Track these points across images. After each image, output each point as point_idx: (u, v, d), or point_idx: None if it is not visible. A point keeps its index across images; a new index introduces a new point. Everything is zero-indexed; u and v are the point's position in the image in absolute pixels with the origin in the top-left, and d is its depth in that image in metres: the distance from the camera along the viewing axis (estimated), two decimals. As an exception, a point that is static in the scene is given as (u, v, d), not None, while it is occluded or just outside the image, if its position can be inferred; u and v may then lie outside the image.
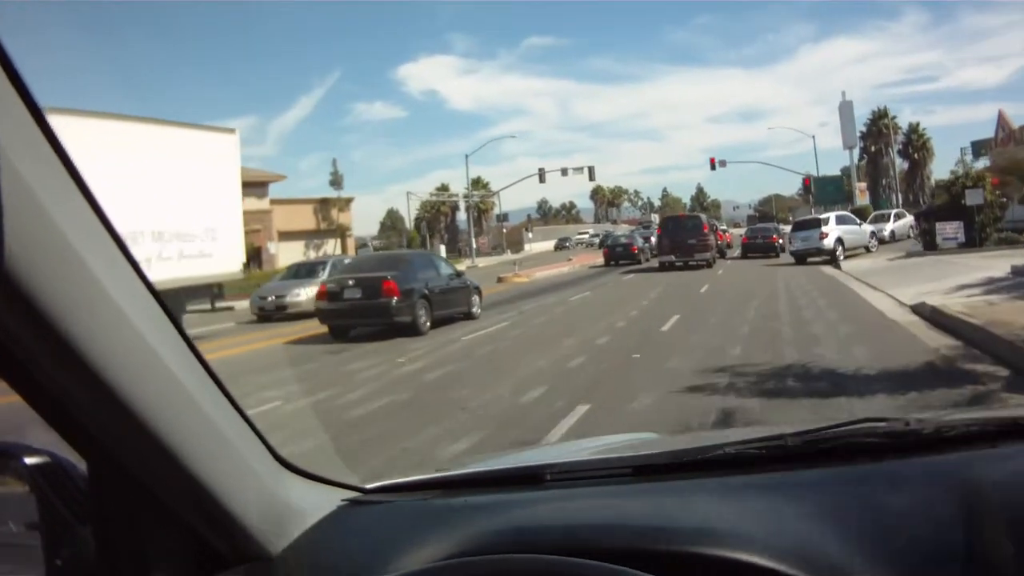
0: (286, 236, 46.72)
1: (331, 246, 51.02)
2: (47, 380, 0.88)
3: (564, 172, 56.59)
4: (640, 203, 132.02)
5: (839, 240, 28.14)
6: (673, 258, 29.01)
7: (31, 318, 0.80)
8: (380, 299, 14.11)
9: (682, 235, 29.01)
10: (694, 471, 1.28)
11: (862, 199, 53.85)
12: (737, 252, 37.67)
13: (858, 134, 57.71)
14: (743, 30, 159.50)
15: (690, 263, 28.74)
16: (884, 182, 62.25)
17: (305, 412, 8.23)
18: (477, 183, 75.23)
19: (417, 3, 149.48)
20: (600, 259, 38.53)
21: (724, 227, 52.94)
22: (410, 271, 14.88)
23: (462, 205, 75.32)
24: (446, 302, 15.42)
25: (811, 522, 1.02)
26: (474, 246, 59.25)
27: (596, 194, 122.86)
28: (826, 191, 53.01)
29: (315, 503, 1.26)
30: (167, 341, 0.98)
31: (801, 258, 28.07)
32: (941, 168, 65.02)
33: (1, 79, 0.76)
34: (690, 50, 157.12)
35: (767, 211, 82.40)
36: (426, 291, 14.71)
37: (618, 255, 36.66)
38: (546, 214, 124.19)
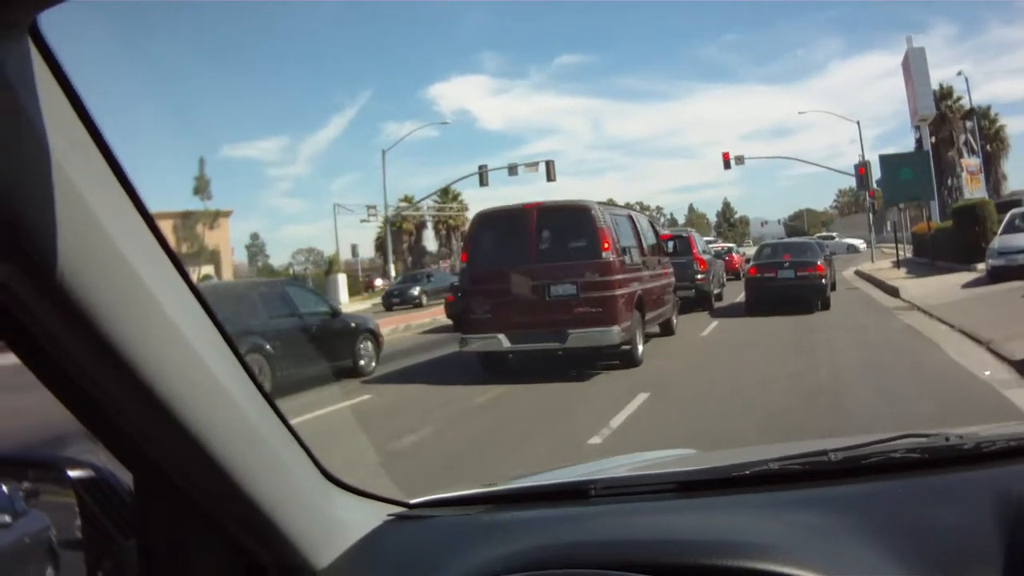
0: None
1: (195, 274, 41.82)
2: (96, 391, 0.95)
3: (512, 170, 45.65)
4: (663, 220, 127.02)
5: None
6: (481, 343, 11.36)
7: (82, 329, 0.86)
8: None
9: (529, 275, 10.98)
10: (738, 487, 1.37)
11: (973, 188, 36.61)
12: (737, 297, 21.03)
13: (914, 123, 45.46)
14: (772, 46, 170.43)
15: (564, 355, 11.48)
16: (950, 182, 48.43)
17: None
18: (446, 194, 67.84)
19: (448, 22, 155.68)
20: None
21: (731, 245, 41.10)
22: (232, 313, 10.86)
23: (430, 222, 70.03)
24: (302, 356, 11.58)
25: (855, 536, 1.10)
26: (393, 273, 49.69)
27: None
28: (897, 180, 30.57)
29: (361, 518, 1.35)
30: (218, 354, 1.05)
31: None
32: (1016, 168, 52.70)
33: (56, 92, 0.83)
34: (721, 67, 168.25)
35: (798, 226, 75.94)
36: (259, 341, 10.95)
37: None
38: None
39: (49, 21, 0.81)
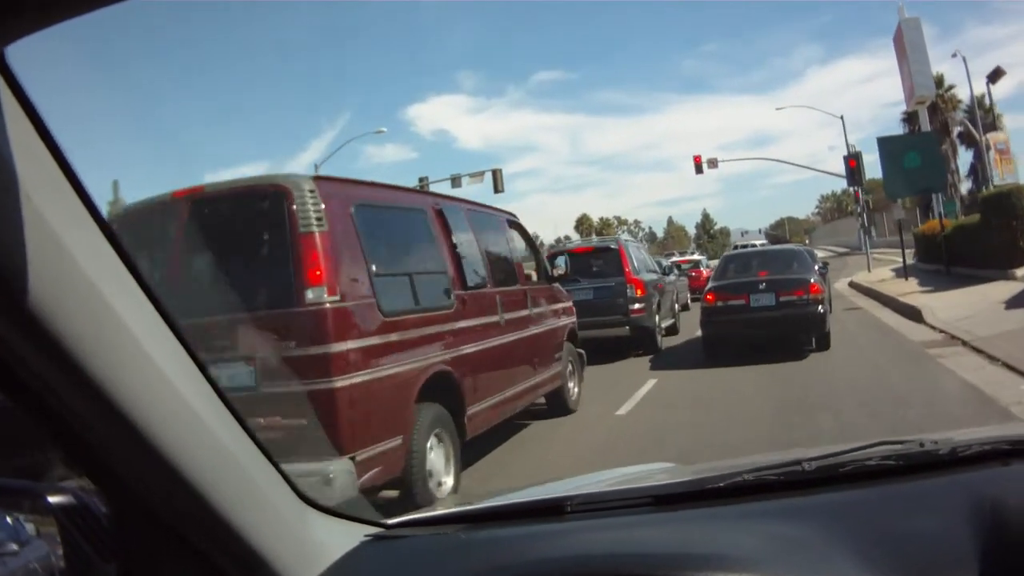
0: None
1: None
2: (71, 417, 0.95)
3: (455, 182, 41.81)
4: (641, 234, 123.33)
5: None
6: None
7: (55, 357, 0.87)
8: None
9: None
10: (713, 499, 1.36)
11: (1004, 171, 31.02)
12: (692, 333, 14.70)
13: (902, 114, 39.14)
14: (751, 55, 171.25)
15: None
16: (948, 179, 41.77)
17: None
18: None
19: (424, 42, 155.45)
20: None
21: (699, 258, 33.51)
22: None
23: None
24: None
25: (830, 546, 1.10)
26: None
27: (581, 224, 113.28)
28: (900, 169, 23.67)
29: (338, 539, 1.34)
30: (190, 379, 1.06)
31: None
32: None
33: (25, 124, 0.84)
34: (699, 78, 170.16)
35: (780, 235, 70.94)
36: None
37: None
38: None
39: (17, 52, 0.82)
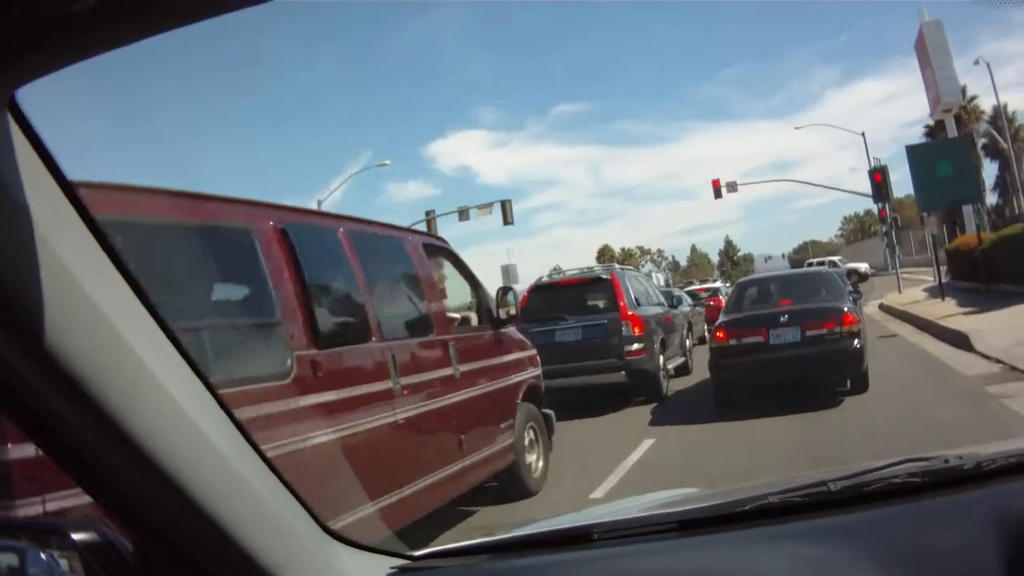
0: None
1: None
2: (89, 454, 0.95)
3: (464, 215, 40.65)
4: (664, 263, 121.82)
5: None
6: None
7: (71, 393, 0.88)
8: None
9: None
10: (740, 523, 1.35)
11: None
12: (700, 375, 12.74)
13: (924, 128, 37.12)
14: (769, 79, 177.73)
15: None
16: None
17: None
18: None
19: (443, 78, 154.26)
20: None
21: (716, 286, 31.90)
22: None
23: None
24: None
25: (856, 565, 1.10)
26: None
27: (603, 255, 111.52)
28: (932, 179, 22.05)
29: (364, 572, 1.34)
30: (207, 412, 1.06)
31: None
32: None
33: (32, 157, 0.85)
34: (719, 105, 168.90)
35: (803, 260, 69.13)
36: None
37: None
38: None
39: (28, 95, 0.82)
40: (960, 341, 12.05)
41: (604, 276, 11.64)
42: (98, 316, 0.88)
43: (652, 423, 9.83)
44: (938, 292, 20.49)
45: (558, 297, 11.39)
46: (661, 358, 11.60)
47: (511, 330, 6.85)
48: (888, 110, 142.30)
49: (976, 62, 35.53)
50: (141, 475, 0.95)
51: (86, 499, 1.06)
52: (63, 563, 1.23)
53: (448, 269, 6.12)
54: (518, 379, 6.61)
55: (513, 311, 6.58)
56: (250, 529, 1.07)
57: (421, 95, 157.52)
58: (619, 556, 1.32)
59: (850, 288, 10.77)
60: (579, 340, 10.77)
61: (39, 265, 0.81)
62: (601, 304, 11.18)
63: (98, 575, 1.15)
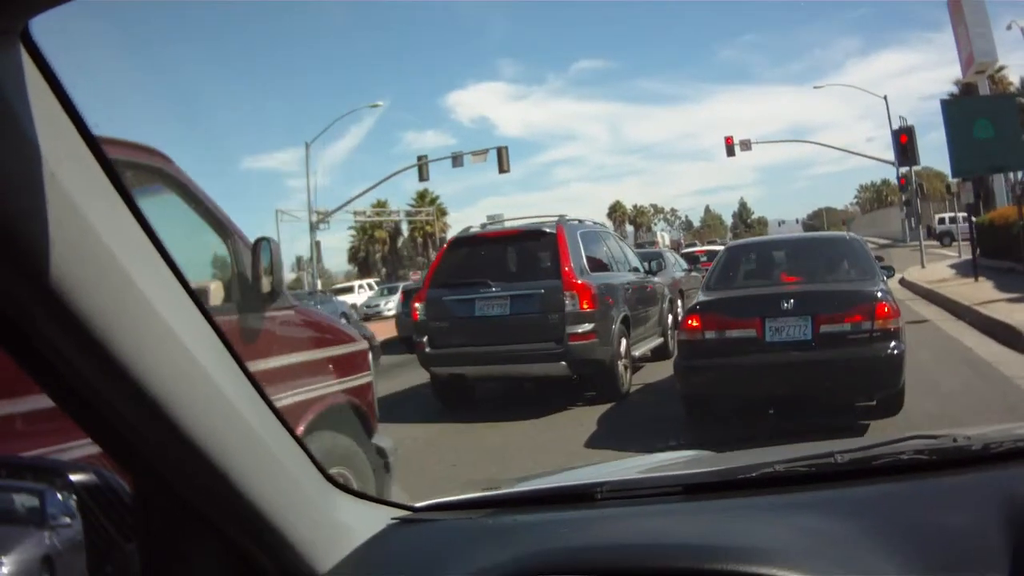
0: None
1: None
2: (93, 395, 0.94)
3: (457, 161, 39.85)
4: (677, 222, 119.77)
5: None
6: None
7: (76, 332, 0.85)
8: None
9: None
10: (744, 489, 1.34)
11: None
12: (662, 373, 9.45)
13: (949, 95, 34.47)
14: (791, 46, 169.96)
15: None
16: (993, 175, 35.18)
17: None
18: (424, 197, 65.35)
19: (465, 30, 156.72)
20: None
21: (712, 248, 28.12)
22: None
23: (405, 227, 68.02)
24: None
25: (861, 540, 1.08)
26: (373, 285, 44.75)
27: (614, 211, 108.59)
28: (969, 140, 17.73)
29: (364, 522, 1.32)
30: (216, 358, 1.03)
31: None
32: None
33: (45, 91, 0.81)
34: (739, 68, 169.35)
35: (817, 225, 65.71)
36: None
37: None
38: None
39: (43, 26, 0.81)
40: (1011, 338, 9.25)
41: (547, 230, 8.64)
42: (106, 253, 0.86)
43: (591, 441, 6.84)
44: (969, 270, 17.67)
45: (484, 255, 8.57)
46: (623, 343, 8.68)
47: (308, 310, 4.13)
48: (909, 81, 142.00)
49: (1009, 27, 31.97)
50: (142, 417, 0.94)
51: (85, 452, 1.10)
52: (72, 503, 1.21)
53: (167, 206, 3.29)
54: (309, 395, 3.73)
55: (272, 282, 3.52)
56: (251, 475, 1.06)
57: (441, 45, 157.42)
58: (623, 516, 1.32)
59: (880, 267, 7.37)
60: (506, 315, 8.06)
61: (48, 201, 0.79)
62: (540, 268, 8.36)
63: (95, 516, 1.14)
